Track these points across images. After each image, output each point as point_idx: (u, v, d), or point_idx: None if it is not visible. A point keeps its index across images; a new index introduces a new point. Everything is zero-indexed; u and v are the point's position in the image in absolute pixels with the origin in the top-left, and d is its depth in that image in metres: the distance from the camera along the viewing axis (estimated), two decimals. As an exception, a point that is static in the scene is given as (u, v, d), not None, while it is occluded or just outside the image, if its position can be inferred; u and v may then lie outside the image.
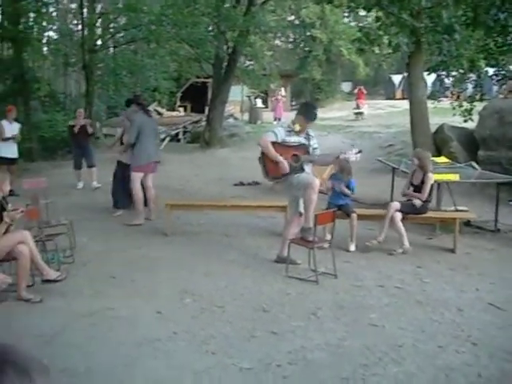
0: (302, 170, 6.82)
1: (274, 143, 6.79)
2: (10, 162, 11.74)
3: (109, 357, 4.41)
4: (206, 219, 9.34)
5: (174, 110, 29.13)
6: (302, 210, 6.91)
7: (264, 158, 6.91)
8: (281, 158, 6.70)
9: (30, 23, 19.34)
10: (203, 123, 22.33)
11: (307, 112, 7.08)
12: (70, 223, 7.49)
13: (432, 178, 7.80)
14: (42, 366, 1.00)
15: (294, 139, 6.85)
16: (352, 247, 7.63)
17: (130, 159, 9.27)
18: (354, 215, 7.70)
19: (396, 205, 7.59)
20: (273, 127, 7.38)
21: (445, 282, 6.44)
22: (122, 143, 10.02)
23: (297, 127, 6.90)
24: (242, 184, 12.76)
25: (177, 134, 22.44)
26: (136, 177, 9.11)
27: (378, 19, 11.53)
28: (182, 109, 29.81)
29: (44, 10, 20.97)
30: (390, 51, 12.92)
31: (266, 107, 31.43)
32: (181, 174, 14.29)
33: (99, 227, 8.81)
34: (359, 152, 7.04)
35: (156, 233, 8.48)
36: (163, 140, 20.54)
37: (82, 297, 5.81)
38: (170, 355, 4.46)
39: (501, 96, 14.67)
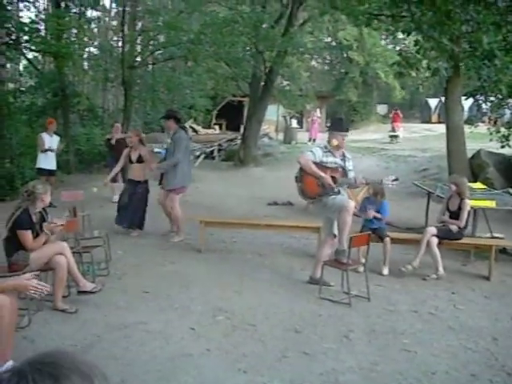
0: (338, 192, 6.83)
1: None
2: (49, 173, 11.99)
3: (142, 370, 4.46)
4: (239, 237, 9.38)
5: (209, 127, 29.36)
6: (335, 231, 6.90)
7: (302, 176, 6.94)
8: (322, 174, 6.75)
9: (72, 38, 19.75)
10: (238, 141, 22.46)
11: (336, 124, 7.26)
12: (105, 236, 7.59)
13: (469, 203, 7.73)
14: (101, 373, 1.04)
15: (330, 159, 6.88)
16: (385, 271, 7.59)
17: (168, 181, 9.06)
18: (388, 239, 7.66)
19: (432, 230, 7.54)
20: (310, 147, 7.45)
21: (479, 309, 6.36)
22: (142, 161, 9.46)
23: (334, 142, 6.93)
24: (275, 204, 12.78)
25: (212, 152, 22.60)
26: (177, 198, 9.12)
27: (416, 43, 11.52)
28: (217, 127, 30.04)
29: (86, 27, 21.43)
30: (428, 75, 12.90)
31: (301, 127, 31.49)
32: (214, 191, 14.38)
33: (134, 241, 8.92)
34: (396, 180, 7.03)
35: (190, 249, 8.55)
36: (198, 157, 20.72)
37: (116, 309, 5.89)
38: (203, 371, 4.48)
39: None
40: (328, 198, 6.78)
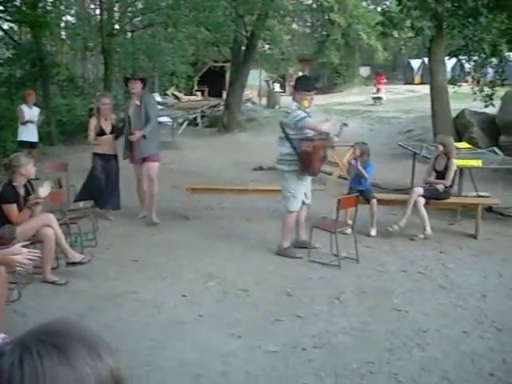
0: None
1: (302, 140, 6.59)
2: (30, 145, 11.82)
3: (136, 338, 4.47)
4: (227, 203, 9.34)
5: (191, 94, 29.12)
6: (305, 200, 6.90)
7: (312, 154, 6.50)
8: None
9: (48, 8, 19.35)
10: (221, 107, 22.30)
11: (304, 84, 6.93)
12: (91, 206, 7.53)
13: (455, 163, 7.74)
14: (106, 344, 1.01)
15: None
16: (373, 232, 7.62)
17: (145, 147, 8.07)
18: (374, 201, 7.66)
19: (419, 190, 7.55)
20: (298, 112, 6.96)
21: (468, 267, 6.42)
22: (114, 131, 8.41)
23: (305, 103, 6.67)
24: (261, 168, 12.74)
25: (195, 119, 22.41)
26: (157, 167, 8.28)
27: (399, 2, 11.40)
28: (199, 93, 29.78)
29: (62, -6, 20.98)
30: (411, 35, 12.81)
31: (284, 92, 31.32)
32: (199, 158, 14.29)
33: (120, 210, 8.84)
34: (345, 125, 7.32)
35: (178, 217, 8.51)
36: (181, 124, 20.56)
37: (107, 280, 5.87)
38: (197, 338, 4.50)
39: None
40: None
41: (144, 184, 8.31)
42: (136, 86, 8.18)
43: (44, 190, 5.85)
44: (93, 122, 8.36)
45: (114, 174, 8.45)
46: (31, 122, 11.75)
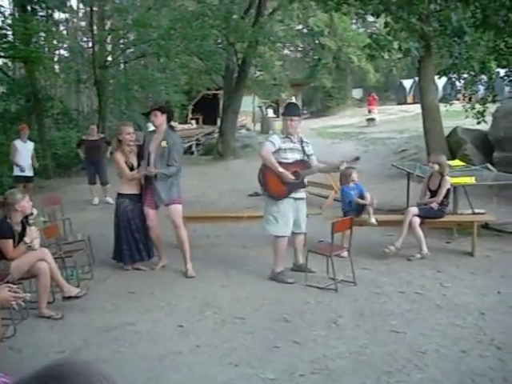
0: (304, 185, 6.85)
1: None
2: (26, 180, 11.85)
3: (132, 371, 4.42)
4: (223, 231, 9.33)
5: (186, 122, 29.25)
6: (295, 229, 6.88)
7: (265, 176, 6.74)
8: (282, 169, 6.57)
9: (41, 42, 19.52)
10: (216, 135, 22.39)
11: (284, 109, 7.13)
12: (87, 239, 7.52)
13: (449, 180, 7.76)
14: (108, 378, 1.00)
15: (289, 145, 6.75)
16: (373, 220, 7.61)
17: (169, 194, 7.06)
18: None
19: (414, 210, 7.55)
20: (269, 136, 7.35)
21: (465, 286, 6.39)
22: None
23: (284, 127, 6.91)
24: (256, 194, 12.71)
25: (190, 147, 22.50)
26: (181, 210, 7.29)
27: (386, 25, 11.51)
28: (194, 121, 29.91)
29: (54, 29, 21.20)
30: (400, 56, 12.91)
31: (278, 117, 31.44)
32: (195, 186, 14.29)
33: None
34: (357, 158, 7.03)
35: (173, 247, 8.46)
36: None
37: (103, 312, 5.83)
38: (193, 368, 4.46)
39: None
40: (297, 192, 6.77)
41: (156, 229, 7.37)
42: (157, 119, 7.07)
43: (29, 237, 5.85)
44: (119, 157, 7.25)
45: (143, 218, 7.33)
46: (21, 170, 11.73)
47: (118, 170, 7.37)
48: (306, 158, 6.83)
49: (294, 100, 28.23)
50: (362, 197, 7.71)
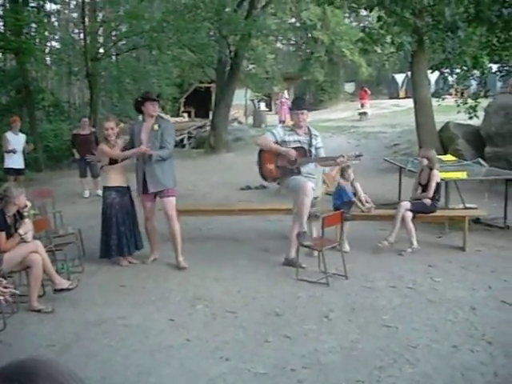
0: (299, 172, 6.82)
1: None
2: (17, 173, 11.77)
3: (123, 365, 4.41)
4: (215, 224, 9.31)
5: (177, 115, 29.17)
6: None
7: (261, 160, 7.03)
8: (284, 149, 6.78)
9: (32, 34, 19.39)
10: (208, 128, 22.33)
11: (293, 103, 7.52)
12: (78, 232, 7.48)
13: (437, 174, 7.76)
14: (77, 378, 0.99)
15: (294, 138, 6.86)
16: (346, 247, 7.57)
17: (162, 180, 6.97)
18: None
19: (406, 204, 7.55)
20: (271, 128, 7.63)
21: (456, 280, 6.41)
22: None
23: (291, 121, 7.19)
24: (248, 188, 12.74)
25: (181, 140, 22.42)
26: (174, 202, 7.21)
27: (379, 19, 11.51)
28: (186, 114, 29.84)
29: (45, 20, 21.02)
30: (393, 50, 12.92)
31: (270, 110, 31.46)
32: (187, 179, 14.25)
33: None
34: (359, 156, 7.00)
35: (165, 240, 8.43)
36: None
37: (94, 306, 5.81)
38: (184, 362, 4.45)
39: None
40: (289, 179, 6.79)
41: (153, 221, 7.36)
42: (155, 109, 7.12)
43: (24, 229, 5.82)
44: (106, 147, 7.18)
45: (132, 209, 7.36)
46: (14, 152, 11.66)
47: (105, 160, 7.26)
48: (313, 150, 6.93)
49: (286, 94, 28.28)
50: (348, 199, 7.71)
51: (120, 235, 7.16)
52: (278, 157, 6.85)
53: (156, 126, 6.96)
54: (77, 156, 12.66)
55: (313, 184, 6.88)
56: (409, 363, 4.36)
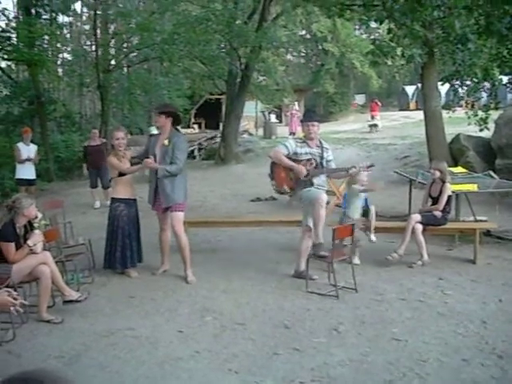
0: (312, 184, 6.82)
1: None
2: (28, 183, 11.84)
3: (132, 377, 4.40)
4: (224, 236, 9.32)
5: (188, 127, 29.27)
6: (310, 224, 6.86)
7: (273, 172, 7.05)
8: (295, 164, 6.79)
9: (45, 45, 19.58)
10: (218, 140, 22.39)
11: (304, 115, 7.64)
12: (88, 243, 7.50)
13: (449, 187, 7.73)
14: None
15: (305, 150, 6.88)
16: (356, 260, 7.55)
17: (171, 195, 6.91)
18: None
19: (417, 217, 7.52)
20: (284, 140, 7.63)
21: (467, 293, 6.36)
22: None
23: (302, 133, 7.21)
24: (258, 200, 12.74)
25: (192, 151, 22.49)
26: (182, 217, 7.13)
27: (389, 31, 11.53)
28: (196, 126, 29.95)
29: (58, 32, 21.23)
30: (403, 63, 12.92)
31: (280, 122, 31.50)
32: (197, 190, 14.28)
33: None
34: (371, 166, 6.99)
35: (174, 251, 8.43)
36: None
37: (103, 317, 5.81)
38: (193, 374, 4.43)
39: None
40: (302, 190, 6.79)
41: (168, 233, 7.35)
42: (160, 121, 7.00)
43: (33, 240, 5.83)
44: (113, 159, 7.16)
45: (137, 223, 7.36)
46: (29, 160, 11.76)
47: (114, 172, 7.27)
48: (324, 163, 6.94)
49: (296, 105, 28.33)
50: (366, 208, 7.68)
51: (125, 247, 7.16)
52: (290, 171, 6.88)
53: (166, 142, 6.93)
54: (85, 171, 12.77)
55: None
56: (419, 377, 4.32)
